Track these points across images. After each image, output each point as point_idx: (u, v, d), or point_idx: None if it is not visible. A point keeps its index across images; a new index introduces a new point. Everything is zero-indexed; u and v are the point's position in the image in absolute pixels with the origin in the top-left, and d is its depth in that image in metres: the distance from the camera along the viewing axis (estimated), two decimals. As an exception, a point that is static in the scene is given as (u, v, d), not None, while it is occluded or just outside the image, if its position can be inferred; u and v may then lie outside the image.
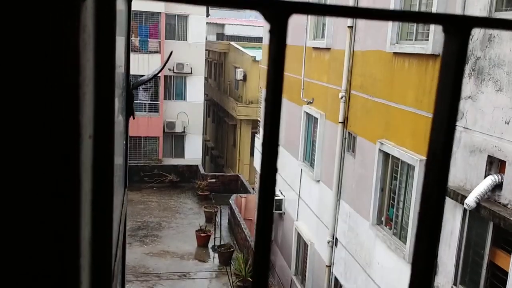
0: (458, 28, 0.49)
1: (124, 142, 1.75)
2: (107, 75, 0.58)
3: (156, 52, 25.81)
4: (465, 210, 6.52)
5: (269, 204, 0.54)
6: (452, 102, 0.51)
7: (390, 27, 8.70)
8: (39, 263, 0.50)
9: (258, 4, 0.45)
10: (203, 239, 18.05)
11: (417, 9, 8.20)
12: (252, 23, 38.41)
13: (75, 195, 0.47)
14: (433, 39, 7.38)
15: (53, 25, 0.44)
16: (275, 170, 0.49)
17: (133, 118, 1.94)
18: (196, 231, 18.30)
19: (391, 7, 8.64)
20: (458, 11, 6.87)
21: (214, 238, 17.95)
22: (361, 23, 10.09)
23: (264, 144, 0.48)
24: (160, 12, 25.64)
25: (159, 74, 25.72)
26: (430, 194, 0.58)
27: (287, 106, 14.71)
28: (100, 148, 0.60)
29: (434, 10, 7.41)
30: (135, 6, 26.80)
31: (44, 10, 0.44)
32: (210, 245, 18.12)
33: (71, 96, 0.45)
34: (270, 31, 0.48)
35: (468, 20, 0.49)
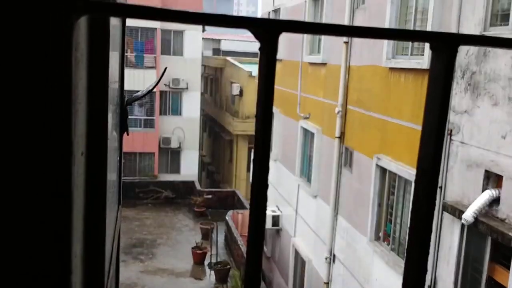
0: (445, 46, 0.50)
1: (118, 158, 1.75)
2: (100, 92, 0.58)
3: (152, 67, 25.91)
4: (463, 225, 6.51)
5: (261, 220, 0.54)
6: (440, 117, 0.51)
7: (385, 42, 8.77)
8: (29, 281, 0.50)
9: (248, 24, 0.46)
10: (199, 256, 17.91)
11: (412, 24, 8.28)
12: (248, 39, 38.66)
13: (66, 212, 0.47)
14: (429, 54, 7.44)
15: (46, 43, 0.44)
16: (266, 185, 0.49)
17: (127, 134, 1.94)
18: (192, 248, 18.17)
19: (386, 22, 8.73)
20: (453, 26, 6.95)
21: (211, 255, 17.82)
22: (357, 39, 10.18)
23: (255, 161, 0.49)
24: (156, 28, 25.79)
25: (155, 90, 25.79)
26: (420, 206, 0.59)
27: (283, 121, 14.75)
28: (93, 165, 0.60)
29: (429, 24, 7.49)
30: (130, 22, 26.99)
31: (37, 28, 0.44)
32: (206, 262, 17.97)
33: (62, 114, 0.46)
34: (260, 49, 0.49)
35: (455, 37, 0.50)
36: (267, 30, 0.47)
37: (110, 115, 1.31)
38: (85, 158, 0.61)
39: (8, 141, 0.48)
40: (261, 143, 0.50)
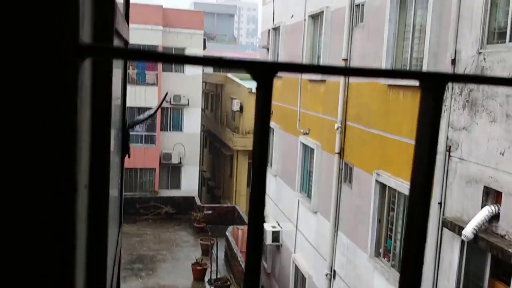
0: (433, 84, 0.53)
1: (119, 181, 1.77)
2: (102, 128, 0.61)
3: (153, 84, 26.05)
4: (463, 241, 6.49)
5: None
6: (429, 152, 0.54)
7: (384, 59, 8.85)
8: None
9: (245, 65, 0.49)
10: (199, 273, 17.80)
11: (410, 42, 8.35)
12: (248, 56, 38.95)
13: (70, 249, 0.49)
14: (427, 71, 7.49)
15: (51, 86, 0.47)
16: (262, 222, 0.51)
17: (129, 157, 1.96)
18: (192, 264, 18.07)
19: (385, 40, 8.81)
20: (450, 43, 7.01)
21: (211, 271, 17.71)
22: (356, 56, 10.26)
23: (251, 199, 0.51)
24: (158, 45, 25.99)
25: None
26: (414, 223, 0.60)
27: (283, 137, 14.79)
28: (95, 196, 0.62)
29: (426, 42, 7.55)
30: (132, 39, 27.16)
31: (42, 72, 0.46)
32: (206, 278, 17.85)
33: (67, 152, 0.48)
34: (257, 88, 0.51)
35: (443, 76, 0.53)
36: (263, 71, 0.49)
37: (112, 140, 1.33)
38: (88, 190, 0.63)
39: (13, 175, 0.50)
40: (258, 177, 0.52)
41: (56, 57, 0.46)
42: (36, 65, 0.46)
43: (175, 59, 0.48)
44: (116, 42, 1.12)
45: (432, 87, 0.52)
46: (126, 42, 1.93)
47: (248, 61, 0.48)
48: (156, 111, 2.73)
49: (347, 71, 0.51)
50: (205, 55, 0.48)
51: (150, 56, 0.46)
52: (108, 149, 0.69)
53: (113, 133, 1.30)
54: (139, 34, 24.78)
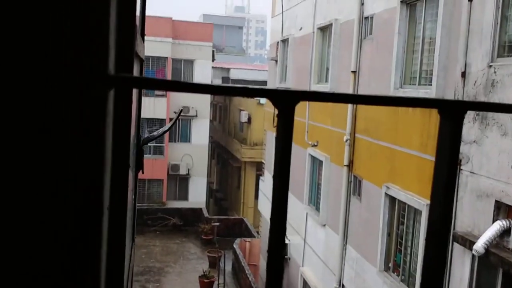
0: (452, 112, 0.53)
1: (133, 196, 1.78)
2: (122, 154, 0.62)
3: (163, 96, 26.19)
4: (473, 256, 6.42)
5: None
6: (448, 180, 0.54)
7: (393, 71, 8.84)
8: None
9: (267, 94, 0.49)
10: (206, 285, 17.72)
11: (419, 54, 8.35)
12: (256, 68, 39.11)
13: (97, 268, 0.50)
14: (437, 84, 7.48)
15: (83, 114, 0.48)
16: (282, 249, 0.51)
17: (143, 172, 1.98)
18: (199, 276, 18.00)
19: (394, 53, 8.81)
20: (460, 57, 7.00)
21: (218, 284, 17.63)
22: (365, 68, 10.27)
23: (272, 222, 0.51)
24: (167, 57, 26.18)
25: (164, 117, 26.01)
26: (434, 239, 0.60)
27: (292, 149, 14.76)
28: (114, 218, 0.63)
29: (436, 55, 7.55)
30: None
31: (73, 101, 0.48)
32: (214, 291, 17.76)
33: (96, 174, 0.49)
34: (279, 116, 0.52)
35: (462, 104, 0.53)
36: (286, 100, 0.50)
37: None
38: (109, 211, 0.64)
39: (43, 197, 0.51)
40: (278, 204, 0.53)
41: (87, 88, 0.47)
42: (68, 96, 0.47)
43: (197, 88, 0.49)
44: (135, 64, 1.14)
45: (451, 115, 0.53)
46: (142, 60, 1.95)
47: (270, 89, 0.49)
48: (170, 127, 2.75)
49: (366, 99, 0.52)
50: (229, 85, 0.49)
51: (172, 85, 0.47)
52: (127, 172, 0.70)
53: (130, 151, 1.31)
54: (149, 46, 24.91)
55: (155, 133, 2.62)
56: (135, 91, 1.50)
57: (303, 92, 0.50)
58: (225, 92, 0.48)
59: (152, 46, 25.38)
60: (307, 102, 13.32)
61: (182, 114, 26.84)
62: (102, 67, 0.47)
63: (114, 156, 0.60)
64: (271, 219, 0.57)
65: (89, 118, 0.48)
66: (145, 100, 25.20)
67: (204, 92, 0.47)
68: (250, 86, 0.48)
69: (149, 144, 26.62)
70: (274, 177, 0.55)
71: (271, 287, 0.59)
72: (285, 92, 0.49)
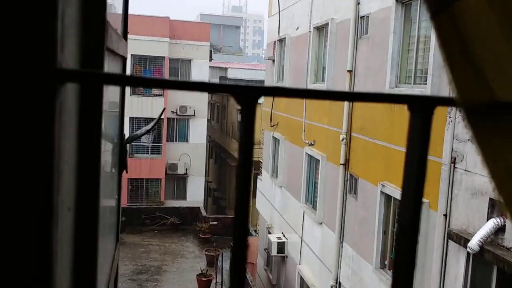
0: (422, 107, 0.52)
1: (117, 197, 1.77)
2: (91, 152, 0.60)
3: (160, 95, 26.16)
4: (468, 254, 6.43)
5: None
6: (418, 176, 0.53)
7: (389, 70, 8.85)
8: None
9: (229, 90, 0.48)
10: (204, 284, 17.73)
11: (414, 53, 8.35)
12: (254, 67, 39.09)
13: (49, 274, 0.49)
14: (431, 83, 7.48)
15: (27, 108, 0.46)
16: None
17: (126, 172, 1.96)
18: (197, 275, 18.00)
19: (390, 52, 8.81)
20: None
21: (216, 282, 17.64)
22: (361, 67, 10.27)
23: (235, 225, 0.50)
24: (164, 57, 26.15)
25: (162, 117, 25.97)
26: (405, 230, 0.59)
27: (289, 148, 14.77)
28: (82, 220, 0.61)
29: (431, 54, 7.54)
30: (139, 51, 27.07)
31: (21, 96, 0.46)
32: (211, 289, 17.77)
33: (43, 176, 0.47)
34: (240, 112, 0.51)
35: (431, 100, 0.52)
36: (246, 95, 0.49)
37: (109, 153, 1.33)
38: (73, 213, 0.62)
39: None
40: (240, 197, 0.52)
41: (32, 82, 0.45)
42: (13, 90, 0.46)
43: (156, 83, 0.47)
44: (110, 60, 1.12)
45: (421, 111, 0.52)
46: (123, 58, 1.94)
47: (232, 85, 0.48)
48: (153, 127, 2.74)
49: (331, 95, 0.51)
50: (189, 80, 0.47)
51: (129, 80, 0.46)
52: (98, 170, 0.69)
53: (109, 148, 1.30)
54: (146, 46, 24.95)
55: (138, 132, 2.61)
56: (115, 89, 1.49)
57: (264, 87, 0.49)
58: (183, 87, 0.47)
59: (149, 46, 25.35)
60: (304, 101, 13.32)
61: (180, 113, 26.82)
62: (49, 60, 0.46)
63: (82, 154, 0.58)
64: (233, 219, 0.56)
65: (35, 113, 0.46)
66: (142, 100, 25.22)
67: (161, 87, 0.46)
68: (210, 82, 0.47)
69: (146, 144, 26.60)
70: (236, 174, 0.54)
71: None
72: (246, 87, 0.48)
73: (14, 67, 0.45)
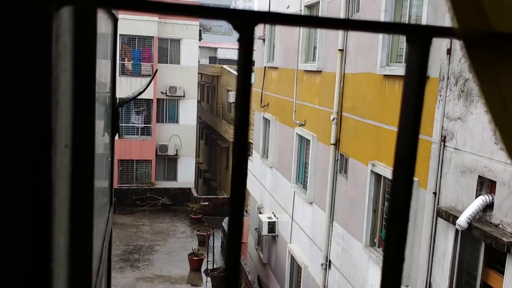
0: (419, 38, 0.52)
1: (110, 158, 1.75)
2: (87, 86, 0.59)
3: (149, 75, 25.93)
4: (457, 230, 6.52)
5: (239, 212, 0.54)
6: (416, 110, 0.53)
7: (380, 50, 8.83)
8: (8, 268, 0.50)
9: (226, 15, 0.47)
10: (196, 263, 17.86)
11: (407, 19, 8.33)
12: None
13: (47, 202, 0.48)
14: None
15: (24, 34, 0.45)
16: (244, 186, 0.50)
17: (119, 135, 1.95)
18: (188, 254, 18.13)
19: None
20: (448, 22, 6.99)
21: (207, 261, 17.77)
22: (352, 46, 10.24)
23: (234, 151, 0.50)
24: (153, 36, 25.87)
25: (152, 97, 25.81)
26: (397, 200, 0.59)
27: (279, 128, 14.78)
28: (78, 157, 0.61)
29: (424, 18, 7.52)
30: (128, 31, 26.80)
31: (15, 19, 0.45)
32: (203, 269, 17.92)
33: (41, 103, 0.47)
34: (239, 40, 0.50)
35: (428, 29, 0.52)
36: (244, 21, 0.48)
37: (101, 115, 1.32)
38: (70, 151, 0.62)
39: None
40: (239, 132, 0.51)
41: (30, 4, 0.44)
42: (5, 14, 0.45)
43: (156, 7, 0.46)
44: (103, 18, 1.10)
45: (419, 42, 0.52)
46: (115, 20, 1.90)
47: (228, 9, 0.47)
48: (145, 89, 2.71)
49: (329, 22, 0.50)
50: (182, 3, 0.47)
51: (125, 2, 0.45)
52: (93, 108, 0.68)
53: (102, 109, 1.29)
54: (134, 25, 24.64)
55: (130, 94, 2.59)
56: (106, 48, 1.46)
57: (263, 13, 0.48)
58: (175, 11, 0.46)
59: (138, 26, 25.03)
60: (294, 82, 13.29)
61: (169, 94, 26.65)
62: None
63: (76, 89, 0.57)
64: (232, 150, 0.55)
65: (32, 38, 0.45)
66: (131, 80, 25.00)
67: (159, 11, 0.45)
68: (205, 5, 0.47)
69: (136, 125, 26.46)
70: (235, 106, 0.54)
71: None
72: (245, 12, 0.47)
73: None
